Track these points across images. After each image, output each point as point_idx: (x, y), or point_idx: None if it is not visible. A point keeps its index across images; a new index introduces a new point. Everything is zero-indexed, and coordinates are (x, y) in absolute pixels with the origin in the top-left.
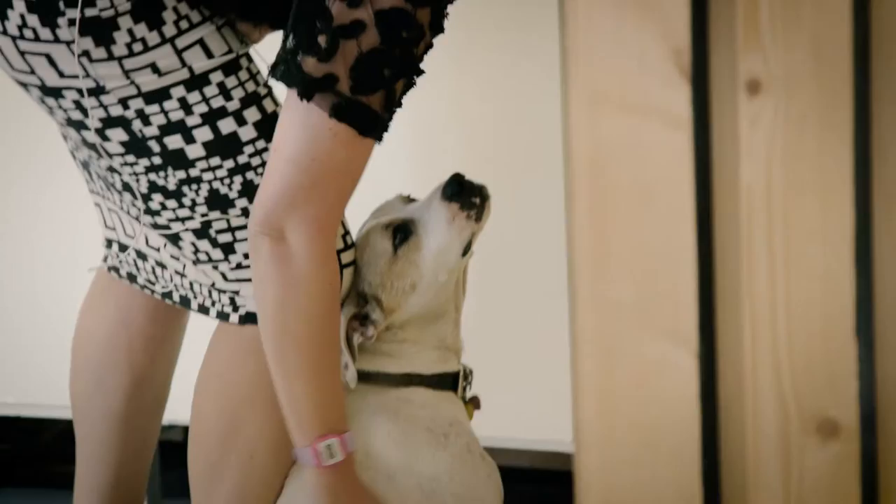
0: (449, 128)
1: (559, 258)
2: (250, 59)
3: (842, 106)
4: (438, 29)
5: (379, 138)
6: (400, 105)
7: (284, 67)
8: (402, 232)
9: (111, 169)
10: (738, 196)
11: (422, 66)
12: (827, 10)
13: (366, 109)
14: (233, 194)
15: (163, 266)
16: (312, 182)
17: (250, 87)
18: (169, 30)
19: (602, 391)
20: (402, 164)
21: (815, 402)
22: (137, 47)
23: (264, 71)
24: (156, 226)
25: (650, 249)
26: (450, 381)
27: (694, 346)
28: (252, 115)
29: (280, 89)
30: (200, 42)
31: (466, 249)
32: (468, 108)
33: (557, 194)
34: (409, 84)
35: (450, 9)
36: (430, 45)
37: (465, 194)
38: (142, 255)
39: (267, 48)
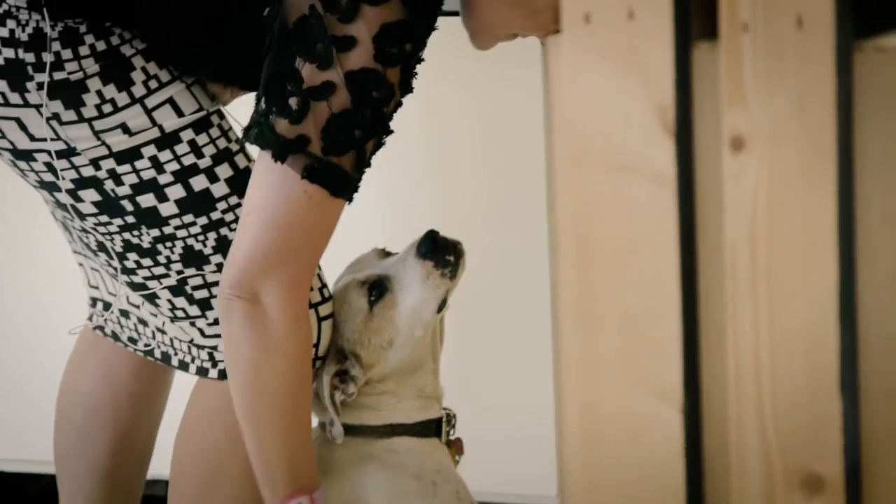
0: (431, 175)
1: (544, 311)
2: (221, 116)
3: (825, 162)
4: (408, 88)
5: (349, 198)
6: (369, 165)
7: (258, 130)
8: (377, 289)
9: (85, 230)
10: (723, 252)
11: (392, 125)
12: (810, 66)
13: (337, 170)
14: (207, 250)
15: (144, 323)
16: (287, 245)
17: (222, 143)
18: (138, 90)
19: (587, 445)
20: (380, 222)
21: (800, 457)
22: (107, 108)
23: (236, 128)
24: (132, 284)
25: (635, 305)
26: (433, 428)
27: (678, 402)
28: (224, 171)
29: (252, 146)
30: (170, 101)
31: (442, 305)
32: (449, 157)
33: (542, 246)
34: (379, 144)
35: (420, 68)
36: (400, 104)
37: (439, 252)
38: (125, 314)
39: (237, 105)
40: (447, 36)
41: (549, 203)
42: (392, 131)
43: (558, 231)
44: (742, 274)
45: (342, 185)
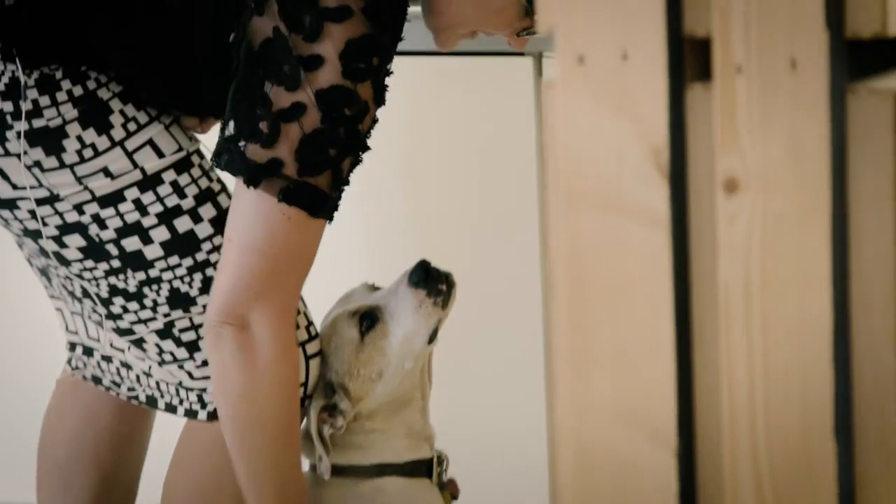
0: (419, 206)
1: (535, 345)
2: (202, 156)
3: (819, 204)
4: (381, 102)
5: (329, 217)
6: (348, 183)
7: (228, 156)
8: (368, 319)
9: (69, 277)
10: (716, 294)
11: (368, 141)
12: (804, 107)
13: (313, 190)
14: (194, 292)
15: (128, 367)
16: (272, 269)
17: (203, 183)
18: (118, 133)
19: (580, 488)
20: (366, 260)
21: (795, 500)
22: (88, 153)
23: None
24: (119, 330)
25: (629, 346)
26: (424, 469)
27: (672, 445)
28: (207, 211)
29: (231, 181)
30: (150, 142)
31: (433, 336)
32: (440, 186)
33: (534, 280)
34: (356, 161)
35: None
36: (376, 120)
37: (431, 281)
38: (106, 358)
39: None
40: (440, 63)
41: (543, 242)
42: (369, 148)
43: (552, 271)
44: (736, 316)
45: (320, 205)
